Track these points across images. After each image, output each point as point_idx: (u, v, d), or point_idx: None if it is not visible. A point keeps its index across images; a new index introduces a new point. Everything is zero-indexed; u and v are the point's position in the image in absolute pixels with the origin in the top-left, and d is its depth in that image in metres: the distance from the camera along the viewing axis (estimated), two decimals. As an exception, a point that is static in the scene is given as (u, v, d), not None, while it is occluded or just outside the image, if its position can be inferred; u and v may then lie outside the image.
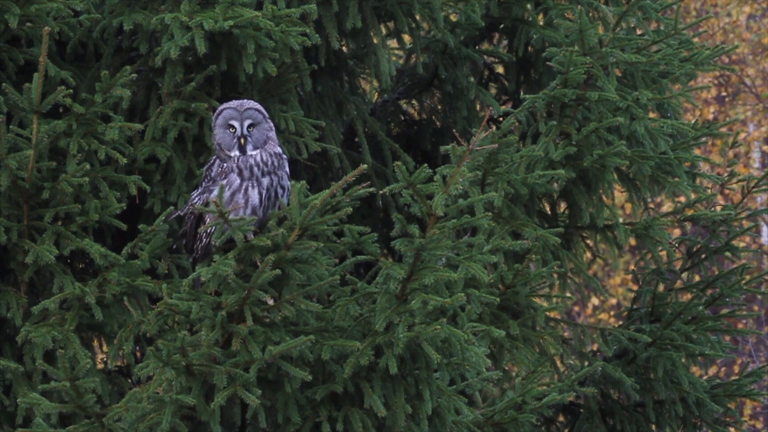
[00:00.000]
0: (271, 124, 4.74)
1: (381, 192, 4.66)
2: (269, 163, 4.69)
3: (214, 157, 4.78)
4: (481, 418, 5.00)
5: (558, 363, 5.83)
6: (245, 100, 4.74)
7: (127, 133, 5.18)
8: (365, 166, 4.57)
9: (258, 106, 4.73)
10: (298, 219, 4.54)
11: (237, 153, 4.68)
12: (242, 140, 4.68)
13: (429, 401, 4.66)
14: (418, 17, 5.70)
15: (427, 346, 4.52)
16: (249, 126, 4.70)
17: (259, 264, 4.55)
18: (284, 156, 4.74)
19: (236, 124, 4.70)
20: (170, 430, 4.52)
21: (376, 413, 4.59)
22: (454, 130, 5.82)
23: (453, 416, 4.78)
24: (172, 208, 5.02)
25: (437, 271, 4.55)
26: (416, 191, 4.54)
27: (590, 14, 5.85)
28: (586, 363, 5.84)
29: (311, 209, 4.54)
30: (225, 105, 4.73)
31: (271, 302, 4.60)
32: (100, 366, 5.23)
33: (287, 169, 4.74)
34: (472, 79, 5.96)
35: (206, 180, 4.77)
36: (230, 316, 4.56)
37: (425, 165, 4.57)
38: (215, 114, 4.73)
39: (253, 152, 4.68)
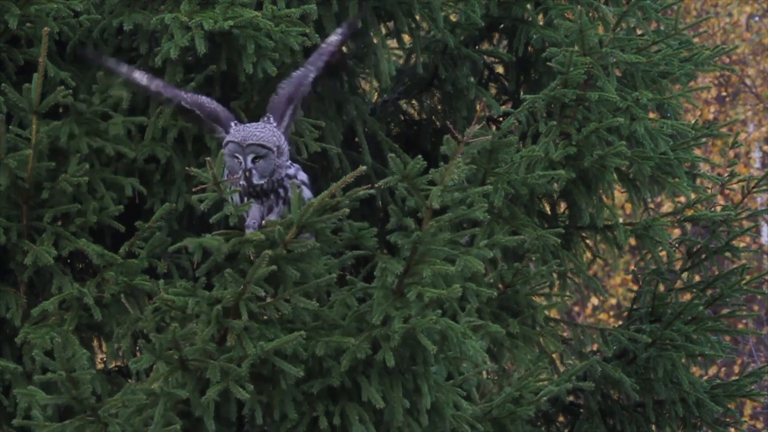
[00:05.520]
0: (283, 150, 4.70)
1: (377, 185, 4.66)
2: (266, 188, 4.69)
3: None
4: (479, 412, 5.00)
5: (558, 363, 5.83)
6: (252, 133, 4.68)
7: (130, 127, 5.18)
8: (364, 167, 4.57)
9: (263, 140, 4.67)
10: (296, 216, 4.55)
11: (243, 183, 4.68)
12: (247, 173, 4.68)
13: (428, 395, 4.66)
14: (418, 17, 5.69)
15: (423, 337, 4.53)
16: (254, 158, 4.68)
17: (253, 259, 4.56)
18: (295, 173, 4.73)
19: (241, 157, 4.68)
20: (165, 424, 4.53)
21: (373, 406, 4.60)
22: (447, 122, 5.81)
23: (451, 410, 4.78)
24: (168, 204, 5.02)
25: (434, 265, 4.55)
26: (411, 184, 4.54)
27: (590, 14, 5.85)
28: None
29: (309, 208, 4.54)
30: (231, 137, 4.69)
31: (267, 299, 4.60)
32: (99, 366, 5.24)
33: (301, 176, 4.74)
34: (472, 79, 5.96)
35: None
36: (226, 312, 4.57)
37: (419, 157, 4.57)
38: (224, 143, 4.71)
39: (260, 181, 4.69)
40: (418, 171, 4.54)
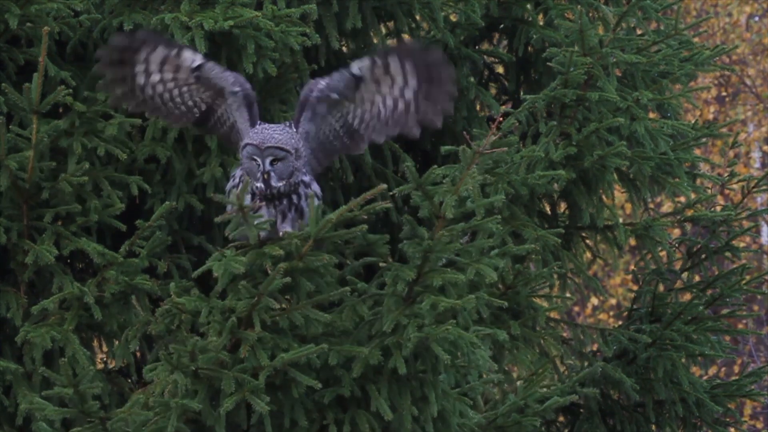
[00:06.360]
0: (301, 153, 4.66)
1: (391, 194, 4.64)
2: (282, 191, 4.67)
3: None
4: (483, 421, 4.98)
5: (558, 363, 5.83)
6: (270, 136, 4.64)
7: (127, 129, 5.17)
8: (384, 186, 4.54)
9: (282, 143, 4.63)
10: (313, 230, 4.53)
11: (261, 185, 4.66)
12: (266, 175, 4.65)
13: (434, 403, 4.64)
14: (418, 17, 5.69)
15: (436, 347, 4.50)
16: (272, 161, 4.65)
17: (269, 271, 4.54)
18: (309, 182, 4.71)
19: (259, 160, 4.66)
20: (175, 434, 4.51)
21: (382, 416, 4.58)
22: (465, 133, 5.81)
23: (457, 419, 4.76)
24: (169, 203, 5.02)
25: (445, 273, 4.53)
26: (426, 193, 4.52)
27: (590, 14, 5.85)
28: (586, 363, 5.85)
29: (326, 223, 4.52)
30: (249, 140, 4.65)
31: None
32: (99, 366, 5.23)
33: (315, 187, 4.72)
34: (472, 79, 5.96)
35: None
36: (239, 321, 4.55)
37: (434, 167, 4.55)
38: (241, 146, 4.68)
39: (278, 184, 4.66)
40: (432, 180, 4.52)
